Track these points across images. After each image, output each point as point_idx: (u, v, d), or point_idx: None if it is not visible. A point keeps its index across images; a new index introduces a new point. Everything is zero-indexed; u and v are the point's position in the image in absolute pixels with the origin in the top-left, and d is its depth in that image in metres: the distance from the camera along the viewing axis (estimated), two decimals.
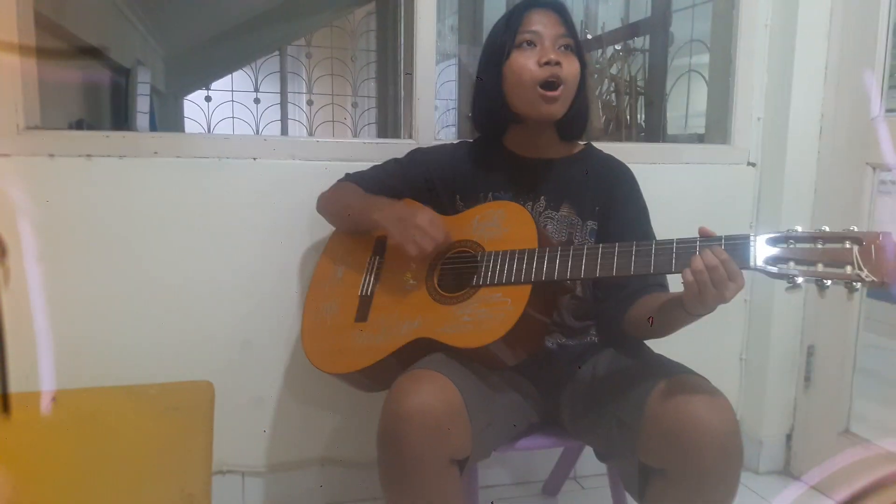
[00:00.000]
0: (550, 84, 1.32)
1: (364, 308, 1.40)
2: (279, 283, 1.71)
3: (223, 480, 1.73)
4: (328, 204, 1.54)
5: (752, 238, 1.06)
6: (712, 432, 1.10)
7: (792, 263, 1.03)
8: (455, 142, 1.56)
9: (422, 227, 1.30)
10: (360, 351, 1.35)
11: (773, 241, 1.05)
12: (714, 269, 1.04)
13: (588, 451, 1.40)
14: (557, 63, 1.31)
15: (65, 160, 1.54)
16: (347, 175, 1.56)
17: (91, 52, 3.05)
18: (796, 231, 1.05)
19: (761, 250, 1.05)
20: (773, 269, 1.04)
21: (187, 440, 0.85)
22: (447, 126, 4.67)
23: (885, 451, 1.78)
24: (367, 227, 1.43)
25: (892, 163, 1.76)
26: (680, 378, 1.19)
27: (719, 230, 1.15)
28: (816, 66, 1.91)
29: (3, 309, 1.34)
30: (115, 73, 3.56)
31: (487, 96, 1.41)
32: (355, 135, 5.55)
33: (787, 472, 2.04)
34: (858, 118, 1.82)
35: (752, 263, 1.05)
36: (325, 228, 1.59)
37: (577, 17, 2.76)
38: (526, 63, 1.33)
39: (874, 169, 1.81)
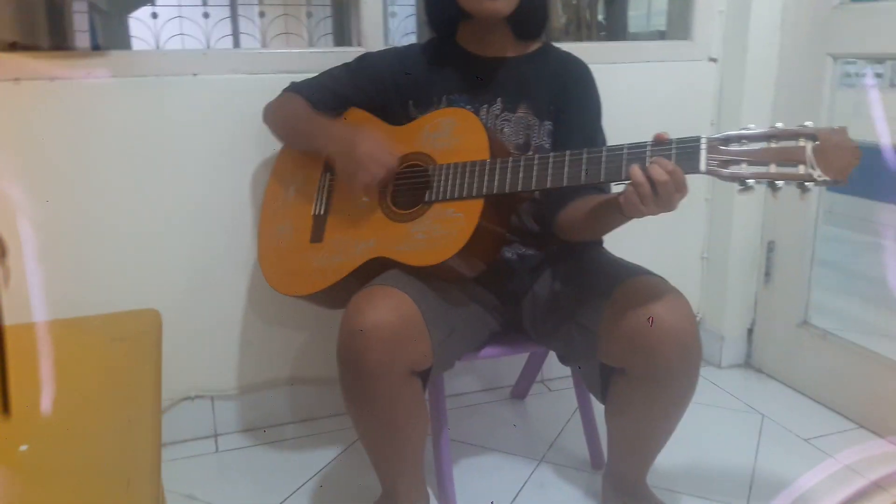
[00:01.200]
0: None
1: (318, 229, 1.37)
2: (231, 204, 1.66)
3: (193, 405, 1.73)
4: (273, 120, 1.48)
5: (702, 140, 1.03)
6: (670, 330, 1.12)
7: (744, 165, 1.01)
8: (407, 45, 1.50)
9: (365, 159, 1.25)
10: (318, 272, 1.33)
11: (725, 141, 1.02)
12: (661, 182, 1.01)
13: (553, 355, 1.41)
14: None
15: None
16: (293, 84, 1.48)
17: None
18: (749, 129, 1.02)
19: (712, 153, 1.02)
20: (725, 172, 1.01)
21: (134, 370, 0.83)
22: (408, 34, 4.50)
23: (842, 339, 1.84)
24: (312, 152, 1.39)
25: (852, 53, 1.73)
26: (637, 279, 1.20)
27: (680, 128, 1.12)
28: None
29: (3, 309, 1.30)
30: None
31: None
32: (311, 45, 5.36)
33: (749, 364, 2.10)
34: (820, 7, 1.77)
35: (702, 167, 1.02)
36: (274, 144, 1.53)
37: None
38: None
39: (835, 59, 1.77)
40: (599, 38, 2.44)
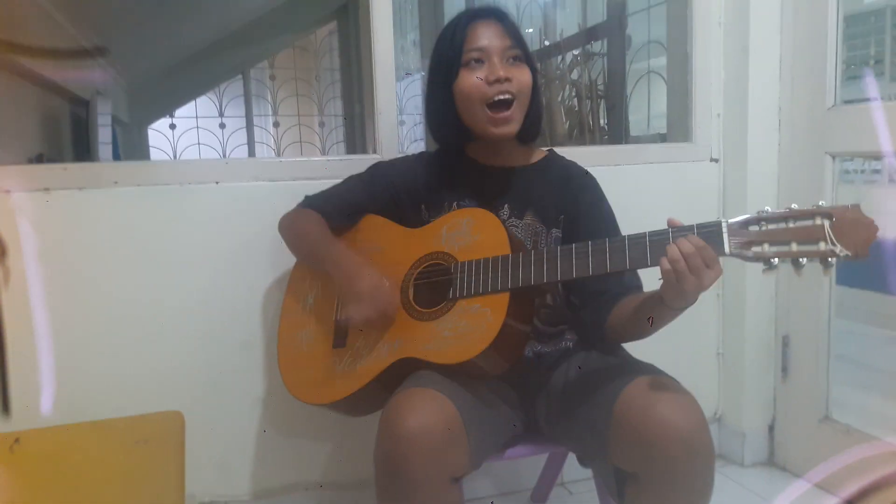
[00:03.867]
0: (501, 103, 1.31)
1: (340, 333, 1.38)
2: (250, 309, 1.68)
3: None
4: (287, 236, 1.51)
5: (723, 223, 1.07)
6: (678, 431, 1.08)
7: (766, 245, 1.04)
8: (417, 155, 1.56)
9: (364, 298, 1.28)
10: (342, 378, 1.32)
11: (744, 224, 1.06)
12: (691, 255, 1.04)
13: (573, 457, 1.39)
14: (507, 79, 1.30)
15: (23, 195, 1.51)
16: (307, 199, 1.52)
17: (49, 86, 3.02)
18: (766, 211, 1.05)
19: (734, 235, 1.06)
20: (749, 253, 1.04)
21: (158, 472, 0.83)
22: (416, 140, 4.67)
23: (866, 435, 1.80)
24: (322, 270, 1.42)
25: (850, 151, 1.79)
26: (645, 379, 1.18)
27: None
28: (771, 60, 1.94)
29: (3, 309, 1.33)
30: (76, 105, 3.52)
31: (441, 115, 1.40)
32: (324, 153, 5.54)
33: (772, 462, 2.05)
34: (815, 108, 1.85)
35: (726, 250, 1.05)
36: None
37: (535, 24, 2.78)
38: (475, 82, 1.31)
39: (834, 158, 1.83)
40: (602, 143, 2.52)
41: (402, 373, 1.25)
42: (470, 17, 1.34)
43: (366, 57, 1.82)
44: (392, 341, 1.30)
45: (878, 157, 1.77)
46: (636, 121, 2.60)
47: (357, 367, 1.32)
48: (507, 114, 1.32)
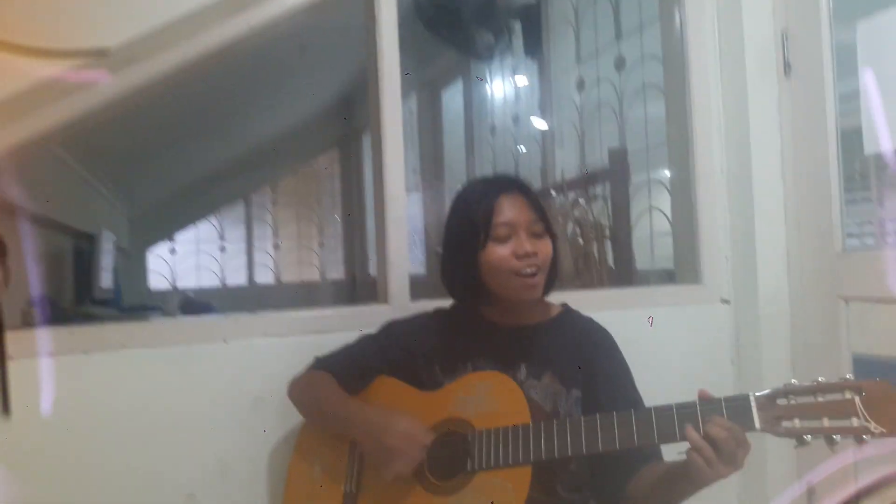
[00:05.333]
0: (528, 274, 1.33)
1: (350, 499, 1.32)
2: (252, 479, 1.60)
3: None
4: (299, 399, 1.47)
5: (751, 398, 1.05)
6: None
7: (797, 420, 1.03)
8: (430, 312, 1.54)
9: (399, 444, 1.24)
10: None
11: (772, 398, 1.05)
12: (724, 440, 1.03)
13: None
14: (535, 254, 1.33)
15: (26, 361, 1.47)
16: (318, 361, 1.49)
17: (56, 226, 3.04)
18: (793, 384, 1.04)
19: (762, 409, 1.04)
20: (780, 429, 1.03)
21: None
22: (414, 259, 4.69)
23: None
24: (341, 430, 1.38)
25: (864, 296, 1.78)
26: None
27: (700, 371, 1.14)
28: (776, 203, 1.95)
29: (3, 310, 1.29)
30: (79, 239, 3.54)
31: (463, 277, 1.40)
32: (323, 274, 5.57)
33: None
34: (824, 253, 1.86)
35: (756, 425, 1.04)
36: (296, 414, 1.50)
37: (535, 165, 2.85)
38: (502, 254, 1.33)
39: (847, 302, 1.82)
40: (609, 278, 2.52)
41: None
42: (496, 191, 1.37)
43: (378, 209, 1.83)
44: None
45: (892, 301, 1.75)
46: (640, 247, 2.61)
47: None
48: (534, 281, 1.34)
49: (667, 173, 2.24)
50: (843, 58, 1.83)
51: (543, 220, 1.37)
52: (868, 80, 1.75)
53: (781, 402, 1.04)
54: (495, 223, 1.34)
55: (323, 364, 1.48)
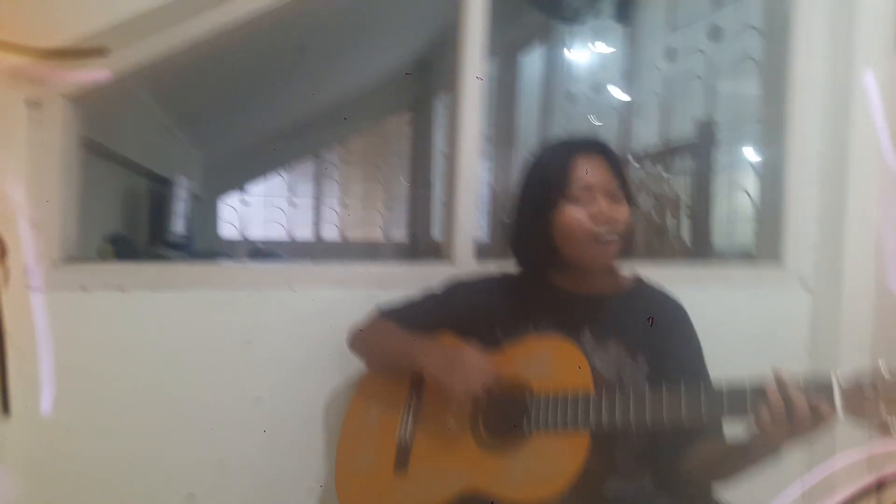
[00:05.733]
0: (606, 240, 1.28)
1: (403, 455, 1.31)
2: (308, 423, 1.62)
3: None
4: (364, 345, 1.47)
5: (833, 378, 0.99)
6: None
7: (882, 406, 0.95)
8: (497, 274, 1.50)
9: (469, 370, 1.23)
10: None
11: (857, 383, 0.97)
12: (799, 408, 0.99)
13: None
14: (613, 219, 1.28)
15: (98, 294, 1.51)
16: (381, 311, 1.48)
17: (135, 168, 3.12)
18: (879, 369, 0.97)
19: (846, 395, 0.98)
20: (862, 418, 0.97)
21: None
22: (478, 225, 4.68)
23: None
24: (409, 369, 1.36)
25: None
26: None
27: (773, 360, 1.07)
28: (870, 191, 1.84)
29: (3, 309, 1.31)
30: (155, 182, 3.63)
31: (534, 241, 1.35)
32: (386, 234, 5.61)
33: None
34: None
35: (838, 412, 0.98)
36: (355, 364, 1.51)
37: (612, 135, 2.76)
38: (579, 217, 1.28)
39: None
40: (684, 254, 2.44)
41: None
42: (575, 149, 1.32)
43: (450, 164, 1.79)
44: (459, 471, 1.23)
45: None
46: (716, 224, 2.51)
47: (420, 495, 1.25)
48: (611, 248, 1.29)
49: (752, 153, 2.14)
50: None
51: (624, 184, 1.31)
52: None
53: (867, 387, 0.97)
54: (573, 183, 1.28)
55: (385, 314, 1.47)
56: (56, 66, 1.43)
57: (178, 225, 3.84)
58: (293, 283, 1.62)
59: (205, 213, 5.48)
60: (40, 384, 1.44)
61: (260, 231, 5.29)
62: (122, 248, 2.62)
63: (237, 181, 5.46)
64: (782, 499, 1.41)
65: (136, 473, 1.54)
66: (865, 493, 1.39)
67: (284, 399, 1.61)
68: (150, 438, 1.54)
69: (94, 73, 1.49)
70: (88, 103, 1.58)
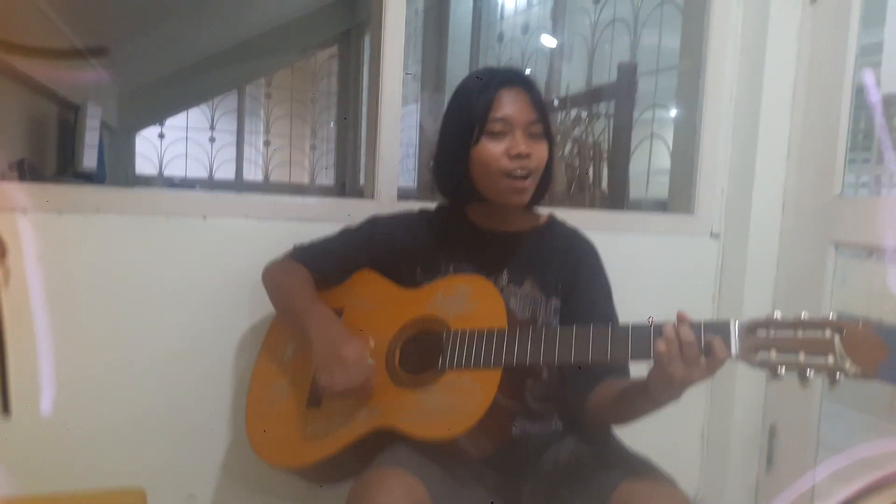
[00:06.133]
0: (519, 176, 1.28)
1: (316, 391, 1.30)
2: (225, 356, 1.59)
3: None
4: (272, 287, 1.44)
5: (732, 324, 1.03)
6: None
7: (773, 352, 1.00)
8: (415, 211, 1.50)
9: (349, 366, 1.20)
10: (314, 441, 1.25)
11: (752, 328, 1.02)
12: (687, 344, 1.01)
13: None
14: (527, 155, 1.27)
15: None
16: (297, 250, 1.46)
17: (39, 89, 2.93)
18: (775, 317, 1.02)
19: (743, 338, 1.02)
20: (755, 359, 1.01)
21: None
22: (406, 171, 4.64)
23: None
24: (300, 329, 1.33)
25: (854, 242, 1.76)
26: (641, 476, 1.14)
27: (681, 302, 1.12)
28: (780, 141, 1.91)
29: (3, 309, 1.29)
30: (64, 109, 3.43)
31: (452, 172, 1.35)
32: (312, 178, 5.49)
33: None
34: (822, 195, 1.82)
35: (733, 353, 1.02)
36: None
37: (542, 76, 2.76)
38: (494, 152, 1.27)
39: (837, 247, 1.80)
40: (601, 203, 2.49)
41: (377, 443, 1.19)
42: (499, 82, 1.30)
43: (371, 100, 1.76)
44: (371, 408, 1.23)
45: (881, 250, 1.74)
46: (635, 175, 2.57)
47: (330, 432, 1.24)
48: (524, 184, 1.29)
49: (673, 105, 2.18)
50: (872, 5, 1.76)
51: (544, 121, 1.31)
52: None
53: (761, 333, 1.02)
54: (492, 117, 1.27)
55: (302, 254, 1.44)
56: (56, 67, 1.33)
57: (89, 156, 3.65)
58: (206, 212, 1.57)
59: (119, 146, 5.23)
60: (40, 384, 1.42)
61: (179, 168, 5.09)
62: (27, 175, 2.48)
63: (155, 114, 5.21)
64: (784, 497, 1.47)
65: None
66: (865, 493, 1.46)
67: (197, 332, 1.58)
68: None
69: (94, 74, 1.40)
70: None
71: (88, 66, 3.96)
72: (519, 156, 1.26)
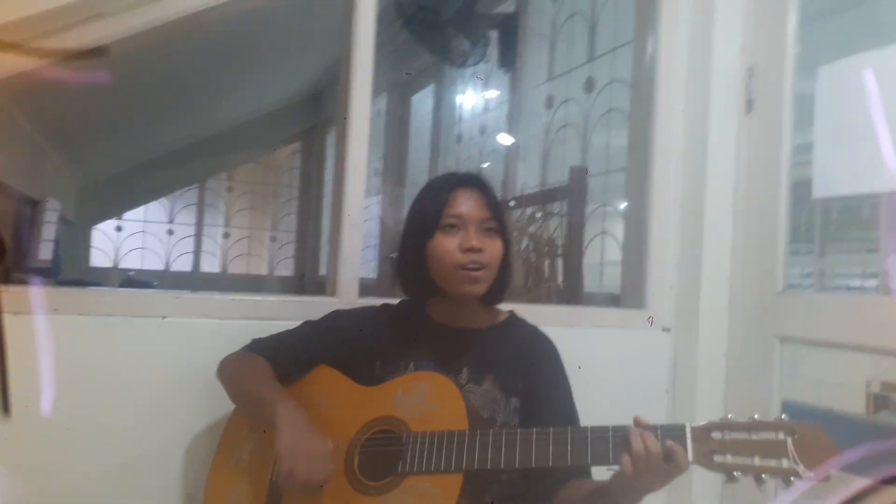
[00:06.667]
0: (472, 268, 1.33)
1: (275, 497, 1.28)
2: (179, 457, 1.56)
3: None
4: (229, 379, 1.43)
5: (687, 428, 1.06)
6: None
7: (729, 456, 1.04)
8: (376, 305, 1.52)
9: (313, 462, 1.20)
10: None
11: (707, 430, 1.06)
12: (654, 455, 1.04)
13: None
14: (479, 250, 1.32)
15: None
16: (256, 342, 1.46)
17: None
18: (730, 420, 1.06)
19: (697, 441, 1.05)
20: (712, 464, 1.04)
21: None
22: (367, 262, 4.69)
23: None
24: (264, 423, 1.31)
25: (799, 337, 1.83)
26: None
27: (635, 395, 1.16)
28: (723, 238, 1.99)
29: (3, 309, 1.27)
30: (21, 203, 3.41)
31: (411, 269, 1.40)
32: (271, 268, 5.49)
33: None
34: (765, 291, 1.90)
35: (689, 457, 1.05)
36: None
37: (498, 176, 2.86)
38: (448, 247, 1.33)
39: (781, 340, 1.87)
40: (558, 295, 2.55)
41: None
42: (454, 183, 1.37)
43: (336, 199, 1.81)
44: None
45: (826, 344, 1.81)
46: (589, 267, 2.64)
47: None
48: (478, 275, 1.32)
49: (623, 202, 2.28)
50: (802, 108, 1.90)
51: (498, 219, 1.37)
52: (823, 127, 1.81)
53: (716, 435, 1.05)
54: (446, 213, 1.33)
55: (260, 347, 1.45)
56: (56, 67, 1.35)
57: (45, 251, 3.61)
58: (165, 312, 1.57)
59: (76, 240, 5.17)
60: (40, 384, 1.40)
61: (135, 261, 5.04)
62: None
63: (114, 208, 5.20)
64: (781, 499, 1.45)
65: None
66: (864, 493, 1.47)
67: (152, 435, 1.55)
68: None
69: (93, 75, 1.43)
70: None
71: (49, 162, 3.97)
72: (471, 249, 1.31)
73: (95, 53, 1.42)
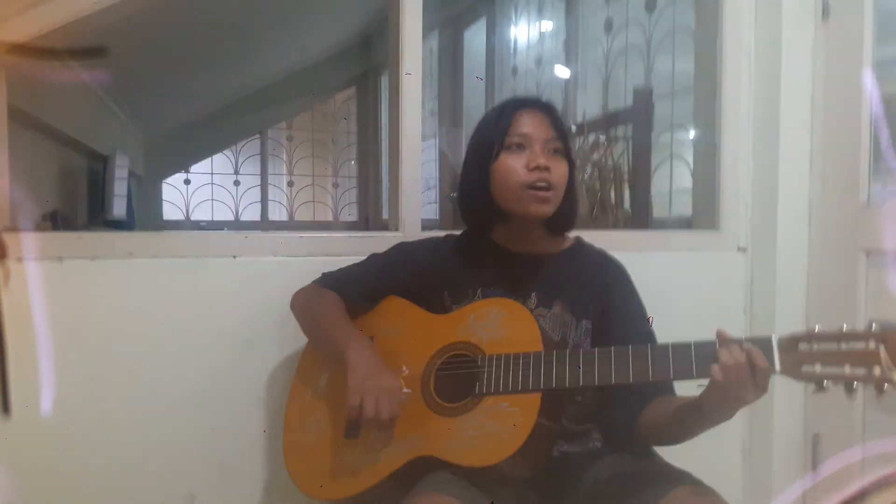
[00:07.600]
0: (539, 189, 1.29)
1: (353, 422, 1.30)
2: (258, 391, 1.61)
3: None
4: (302, 315, 1.45)
5: (774, 340, 1.03)
6: None
7: (818, 366, 1.00)
8: (441, 235, 1.51)
9: (382, 396, 1.20)
10: (353, 473, 1.25)
11: (794, 342, 1.02)
12: (741, 365, 1.01)
13: None
14: (546, 168, 1.28)
15: (34, 263, 1.46)
16: (325, 276, 1.47)
17: (68, 142, 3.02)
18: (816, 331, 1.01)
19: (785, 352, 1.02)
20: (801, 374, 1.01)
21: None
22: (428, 204, 4.68)
23: None
24: (334, 356, 1.33)
25: (886, 248, 1.74)
26: (685, 490, 1.12)
27: (712, 318, 1.12)
28: (801, 154, 1.91)
29: (4, 309, 1.30)
30: (93, 160, 3.52)
31: (474, 194, 1.37)
32: (336, 215, 5.55)
33: None
34: (848, 203, 1.81)
35: (777, 367, 1.02)
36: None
37: (557, 106, 2.78)
38: (514, 166, 1.29)
39: (868, 254, 1.78)
40: (624, 224, 2.49)
41: (418, 471, 1.19)
42: (518, 104, 1.34)
43: (392, 136, 1.79)
44: (410, 436, 1.23)
45: None
46: (657, 195, 2.57)
47: (369, 463, 1.24)
48: (546, 195, 1.29)
49: (691, 126, 2.18)
50: (884, 21, 1.76)
51: (563, 140, 1.33)
52: None
53: (804, 346, 1.01)
54: (511, 133, 1.30)
55: (330, 281, 1.46)
56: (56, 66, 1.38)
57: (119, 206, 3.74)
58: (236, 251, 1.60)
59: (147, 194, 5.34)
60: (40, 384, 1.43)
61: (205, 213, 5.17)
62: (60, 225, 2.55)
63: (180, 161, 5.33)
64: (782, 499, 1.44)
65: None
66: (864, 493, 1.44)
67: (231, 370, 1.60)
68: (84, 409, 1.51)
69: (93, 74, 1.45)
70: (15, 70, 1.52)
71: (116, 118, 4.08)
72: (538, 167, 1.28)
73: (96, 53, 1.42)
